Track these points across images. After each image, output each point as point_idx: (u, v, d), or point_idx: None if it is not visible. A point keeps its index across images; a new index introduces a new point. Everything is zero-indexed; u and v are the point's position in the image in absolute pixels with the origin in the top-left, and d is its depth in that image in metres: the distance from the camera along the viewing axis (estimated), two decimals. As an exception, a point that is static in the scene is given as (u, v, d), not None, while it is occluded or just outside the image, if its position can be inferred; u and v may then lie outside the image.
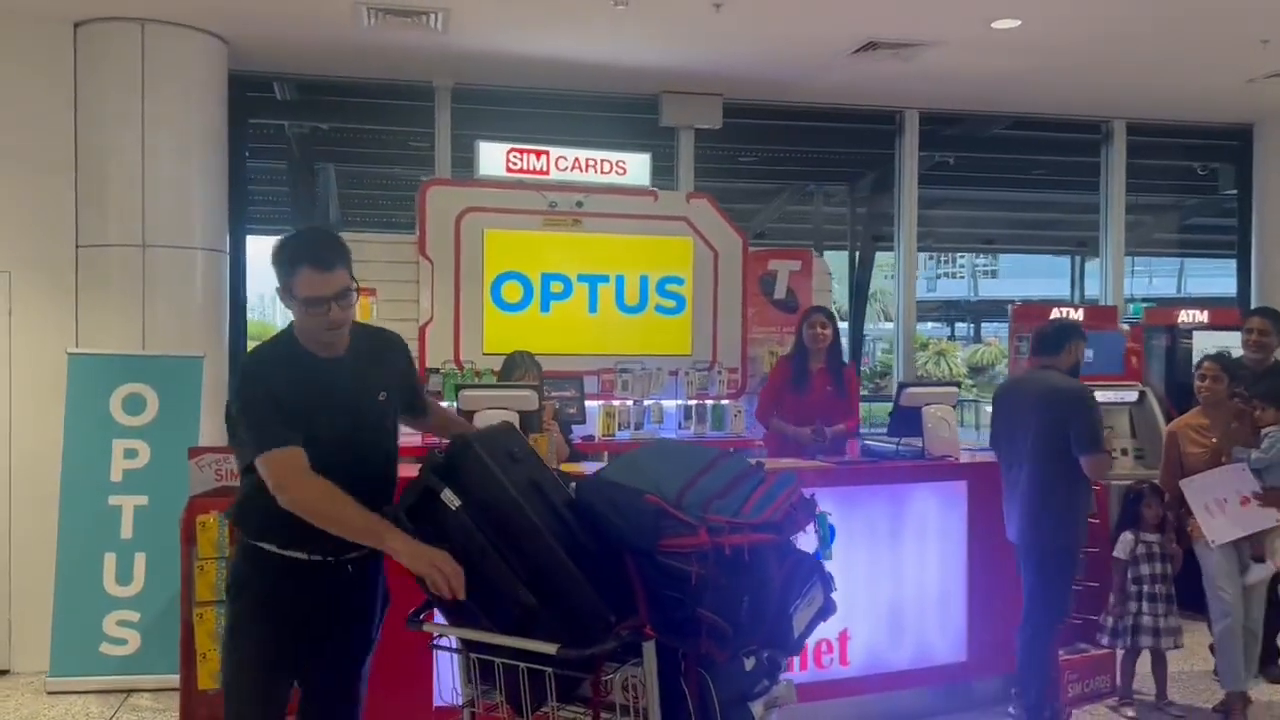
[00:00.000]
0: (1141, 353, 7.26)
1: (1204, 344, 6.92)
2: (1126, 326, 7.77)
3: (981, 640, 4.92)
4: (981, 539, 4.99)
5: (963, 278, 40.53)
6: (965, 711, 4.84)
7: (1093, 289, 18.59)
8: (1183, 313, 7.60)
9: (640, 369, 6.66)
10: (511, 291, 6.66)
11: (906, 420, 5.45)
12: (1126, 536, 4.87)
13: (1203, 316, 7.54)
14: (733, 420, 6.75)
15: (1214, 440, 4.90)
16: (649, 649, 2.39)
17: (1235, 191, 8.73)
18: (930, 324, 33.97)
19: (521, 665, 2.43)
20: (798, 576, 2.62)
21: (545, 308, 6.71)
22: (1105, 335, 7.17)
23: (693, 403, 6.77)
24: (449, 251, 6.56)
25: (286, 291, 2.65)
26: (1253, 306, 8.08)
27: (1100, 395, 6.42)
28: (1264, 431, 4.88)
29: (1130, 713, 4.92)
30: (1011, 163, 9.76)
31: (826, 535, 3.04)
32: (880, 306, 27.17)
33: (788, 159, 9.46)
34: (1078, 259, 18.66)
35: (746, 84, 7.10)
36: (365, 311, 6.27)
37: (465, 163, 6.97)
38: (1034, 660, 4.53)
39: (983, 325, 35.34)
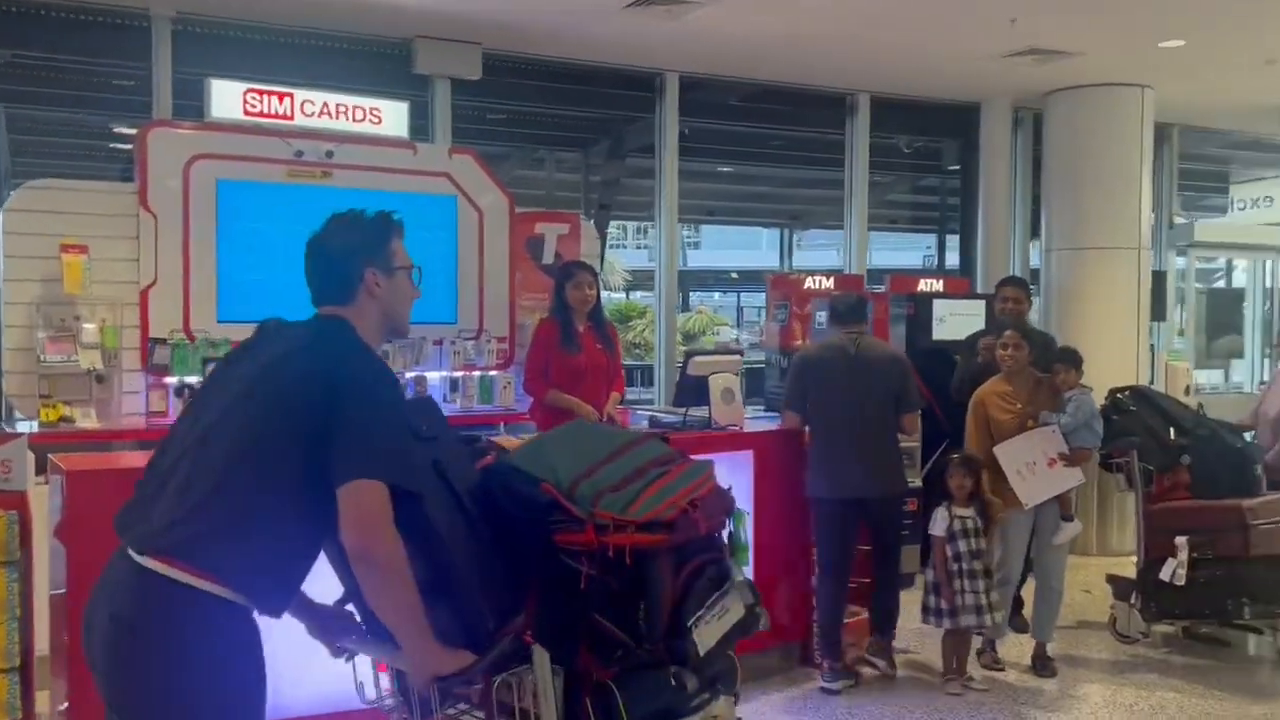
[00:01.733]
0: (886, 320, 7.53)
1: (942, 311, 7.29)
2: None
3: (770, 611, 4.85)
4: (768, 508, 4.96)
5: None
6: (757, 681, 4.74)
7: (803, 260, 19.64)
8: (922, 282, 8.00)
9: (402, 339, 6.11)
10: (250, 251, 5.90)
11: (692, 390, 5.34)
12: (940, 512, 4.80)
13: (939, 286, 7.97)
14: (501, 392, 6.37)
15: (1019, 406, 5.08)
16: (539, 656, 2.12)
17: (959, 168, 9.30)
18: (641, 293, 34.87)
19: (399, 666, 2.22)
20: (698, 585, 2.30)
21: (290, 270, 5.99)
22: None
23: (459, 374, 6.31)
24: (175, 204, 5.72)
25: (384, 265, 2.30)
26: (978, 278, 8.68)
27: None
28: (1066, 395, 5.12)
29: (955, 690, 4.83)
30: (743, 135, 9.90)
31: (740, 541, 2.58)
32: (602, 277, 27.34)
33: (530, 119, 9.11)
34: (787, 231, 19.62)
35: (508, 34, 6.67)
36: (76, 272, 5.33)
37: (189, 110, 6.11)
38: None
39: (690, 294, 36.75)
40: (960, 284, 8.34)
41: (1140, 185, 8.07)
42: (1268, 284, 10.01)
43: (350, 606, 2.36)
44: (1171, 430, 5.73)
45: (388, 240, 2.34)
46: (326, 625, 2.37)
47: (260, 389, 2.12)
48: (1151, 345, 8.52)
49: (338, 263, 2.30)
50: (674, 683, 2.25)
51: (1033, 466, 4.98)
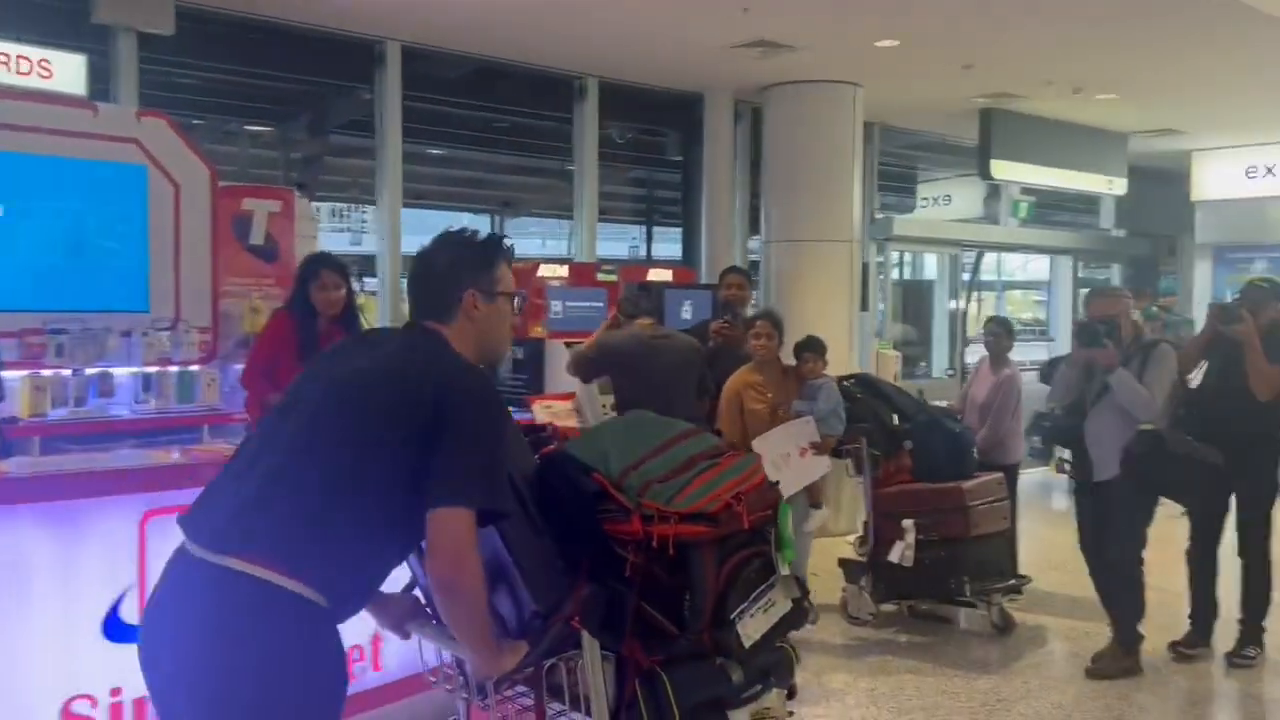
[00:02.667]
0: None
1: (673, 301, 7.26)
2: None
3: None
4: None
5: (362, 232, 40.21)
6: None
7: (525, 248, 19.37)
8: (652, 271, 7.95)
9: (80, 329, 5.25)
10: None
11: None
12: None
13: (667, 275, 7.95)
14: (205, 390, 5.62)
15: (770, 395, 5.02)
16: (588, 642, 2.16)
17: (681, 159, 9.35)
18: (344, 280, 33.42)
19: (461, 655, 2.27)
20: (742, 578, 2.31)
21: (-67, 247, 5.00)
22: (589, 292, 7.26)
23: (152, 370, 5.51)
24: None
25: (486, 288, 2.26)
26: (702, 269, 8.75)
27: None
28: (814, 383, 5.11)
29: None
30: (464, 117, 9.51)
31: (785, 535, 2.44)
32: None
33: (225, 87, 8.26)
34: (498, 218, 19.27)
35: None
36: None
37: None
38: None
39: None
40: (686, 274, 8.37)
41: (852, 181, 8.43)
42: (960, 276, 10.80)
43: (416, 592, 2.40)
44: (895, 416, 5.96)
45: (494, 264, 2.30)
46: (394, 612, 2.38)
47: (361, 396, 2.10)
48: (878, 334, 8.95)
49: (439, 280, 2.27)
50: (737, 673, 2.27)
51: (788, 458, 4.96)
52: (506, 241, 2.37)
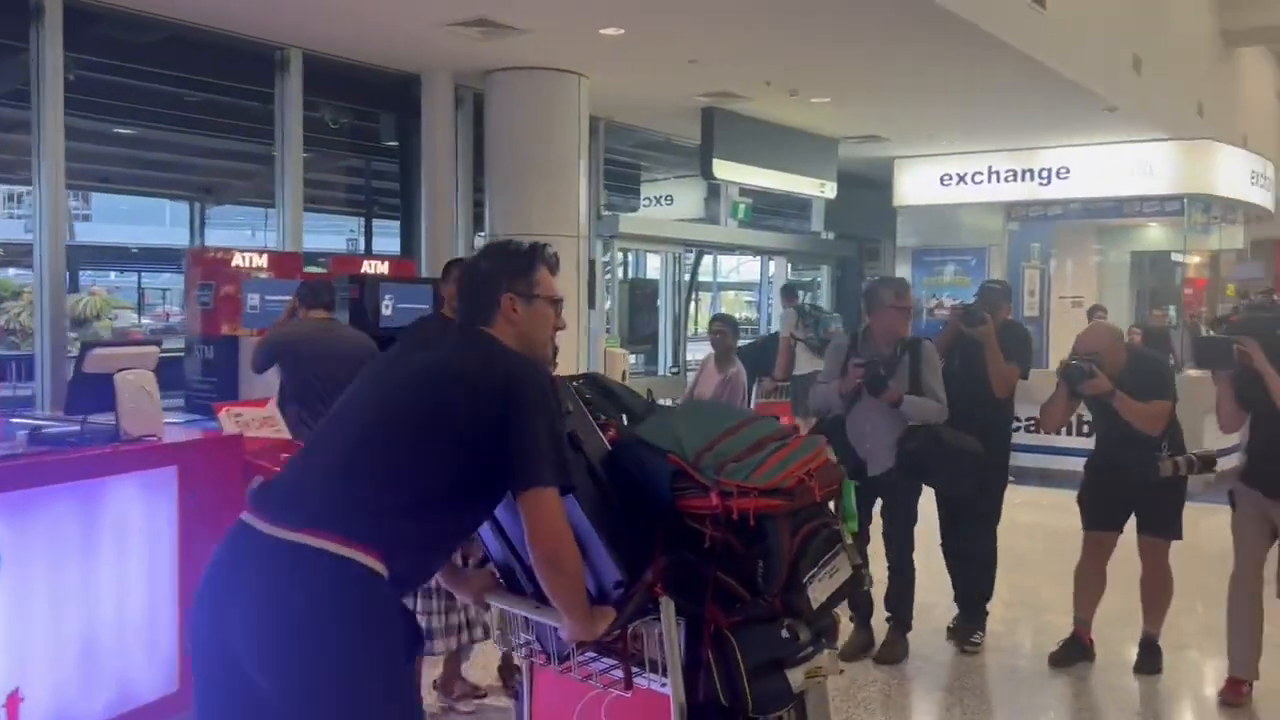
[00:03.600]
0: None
1: (388, 294, 6.71)
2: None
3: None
4: (197, 538, 3.96)
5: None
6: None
7: (217, 238, 17.88)
8: (366, 264, 7.34)
9: None
10: None
11: (91, 390, 4.16)
12: None
13: (384, 268, 7.38)
14: None
15: None
16: (665, 607, 2.38)
17: (398, 145, 8.76)
18: (15, 270, 29.88)
19: (549, 623, 2.46)
20: (813, 546, 2.55)
21: None
22: (293, 285, 6.55)
23: None
24: None
25: (524, 291, 2.41)
26: (423, 262, 8.21)
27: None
28: None
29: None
30: (151, 91, 8.50)
31: (850, 507, 2.78)
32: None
33: None
34: (198, 206, 17.78)
35: None
36: None
37: None
38: None
39: (81, 273, 32.34)
40: (406, 267, 7.81)
41: (578, 175, 8.17)
42: (682, 276, 10.83)
43: (490, 566, 2.60)
44: (624, 417, 5.72)
45: (532, 269, 2.48)
46: (475, 584, 2.58)
47: (431, 384, 2.28)
48: (607, 331, 8.72)
49: (481, 286, 2.47)
50: (786, 634, 2.48)
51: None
52: (549, 250, 2.53)
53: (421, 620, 4.02)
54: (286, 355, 4.84)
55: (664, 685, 2.41)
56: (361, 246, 14.73)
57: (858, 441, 4.81)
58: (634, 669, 2.45)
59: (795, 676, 2.50)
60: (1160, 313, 13.36)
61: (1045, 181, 11.40)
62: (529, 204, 8.00)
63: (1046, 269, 12.74)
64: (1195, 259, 14.78)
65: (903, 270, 12.68)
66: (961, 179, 11.88)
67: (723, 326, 6.26)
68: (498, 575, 2.61)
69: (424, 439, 2.21)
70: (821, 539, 2.57)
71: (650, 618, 2.38)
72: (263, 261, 6.74)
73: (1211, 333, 6.22)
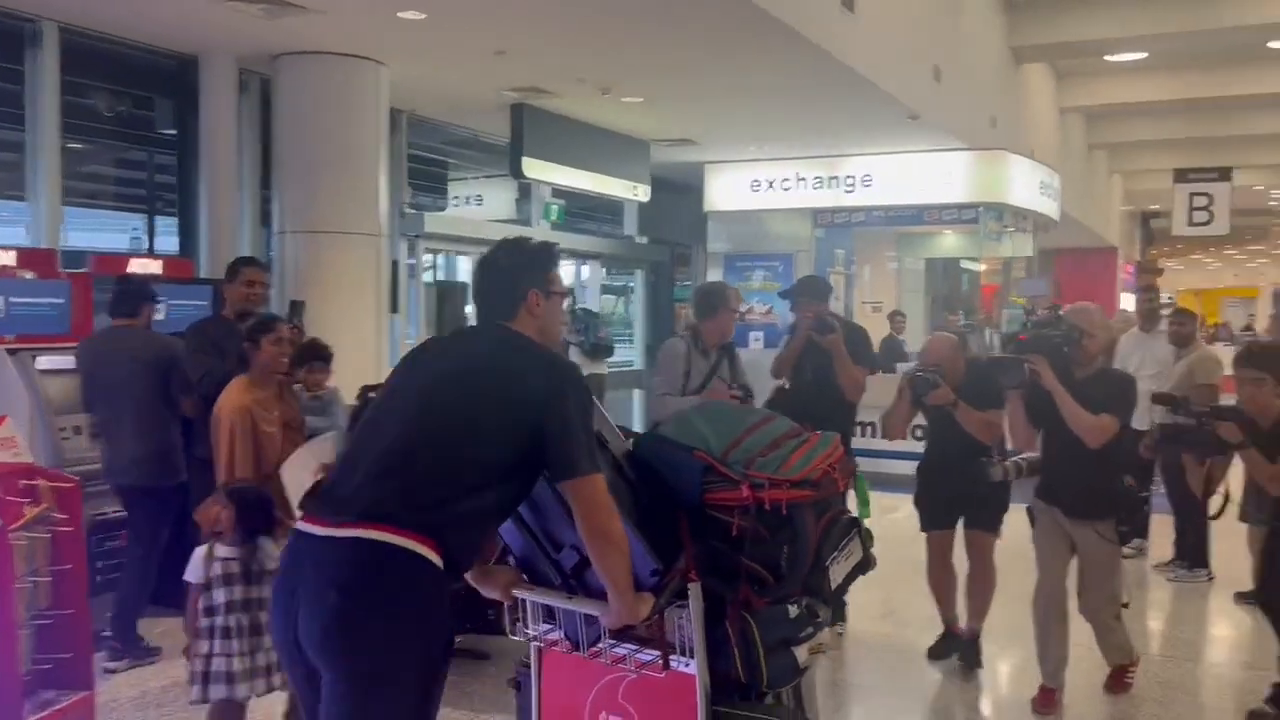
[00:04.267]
0: (90, 306, 6.03)
1: (159, 296, 6.04)
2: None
3: None
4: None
5: None
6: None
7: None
8: (134, 262, 6.58)
9: None
10: None
11: None
12: (200, 553, 3.57)
13: (157, 267, 6.64)
14: None
15: (276, 414, 4.09)
16: (695, 592, 2.54)
17: (176, 134, 7.98)
18: None
19: (579, 611, 2.59)
20: (834, 532, 2.75)
21: None
22: (47, 285, 5.79)
23: None
24: None
25: (540, 287, 2.63)
26: (201, 261, 7.50)
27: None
28: (321, 395, 4.27)
29: None
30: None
31: (864, 496, 3.03)
32: None
33: None
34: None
35: None
36: None
37: None
38: None
39: None
40: (183, 266, 7.09)
41: (377, 169, 7.66)
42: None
43: (510, 560, 2.76)
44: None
45: (550, 266, 2.67)
46: (500, 580, 2.71)
47: (475, 380, 2.46)
48: (410, 338, 8.19)
49: (504, 282, 2.61)
50: (806, 613, 2.69)
51: (303, 486, 4.10)
52: (555, 246, 2.75)
53: (220, 663, 3.53)
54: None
55: (688, 665, 2.58)
56: (146, 245, 13.60)
57: None
58: (655, 653, 2.60)
59: (800, 654, 2.69)
60: (954, 317, 13.90)
61: (850, 189, 11.60)
62: (323, 199, 7.43)
63: (850, 275, 13.01)
64: (982, 266, 15.53)
65: (714, 275, 12.67)
66: (770, 185, 11.96)
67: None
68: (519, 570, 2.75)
69: (470, 432, 2.38)
70: (841, 525, 2.80)
71: (677, 603, 2.55)
72: (8, 259, 5.92)
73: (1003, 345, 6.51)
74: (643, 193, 11.07)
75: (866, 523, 2.92)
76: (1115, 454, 4.46)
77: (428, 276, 10.79)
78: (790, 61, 7.55)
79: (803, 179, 11.79)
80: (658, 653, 2.57)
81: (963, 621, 5.12)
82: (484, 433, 2.39)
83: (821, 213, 12.04)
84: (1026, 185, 11.89)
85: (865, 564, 2.90)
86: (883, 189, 11.48)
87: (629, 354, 14.01)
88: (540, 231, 11.04)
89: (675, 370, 4.90)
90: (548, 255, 2.69)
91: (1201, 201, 14.69)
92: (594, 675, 2.77)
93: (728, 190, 12.23)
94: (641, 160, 10.91)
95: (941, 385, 4.71)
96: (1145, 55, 12.65)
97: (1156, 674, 5.12)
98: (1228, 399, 4.88)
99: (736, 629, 2.60)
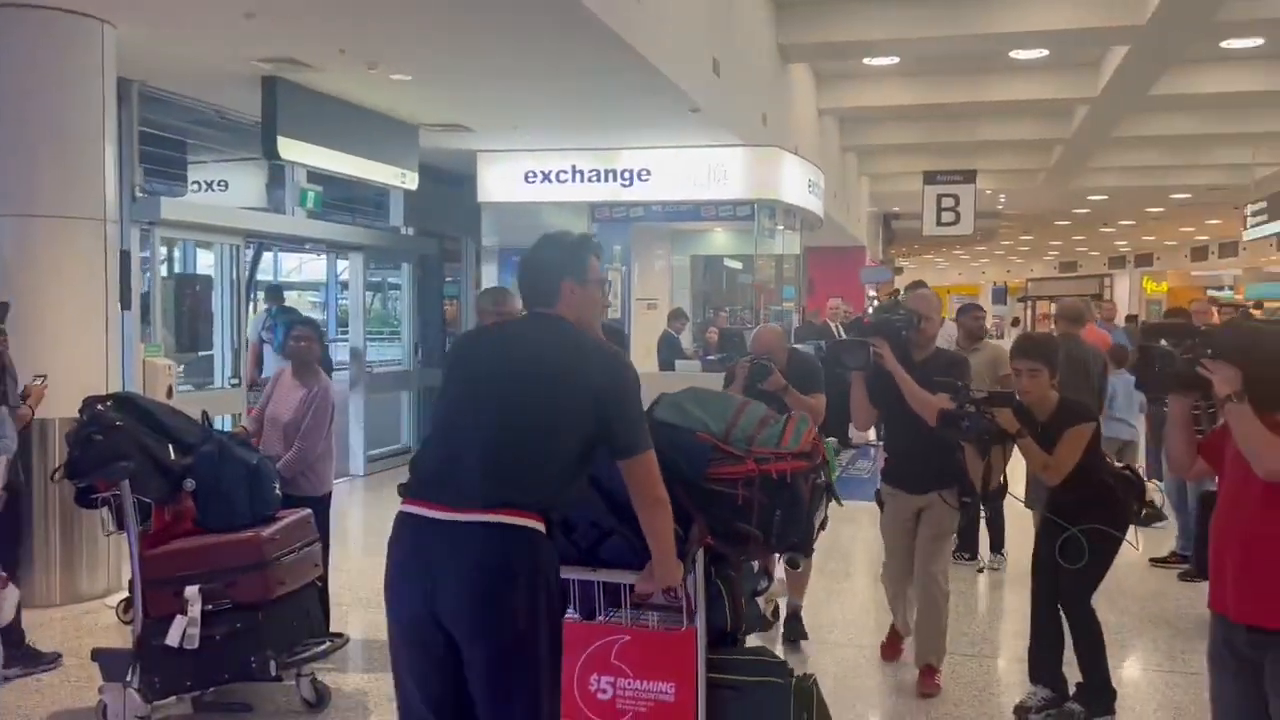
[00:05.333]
0: None
1: None
2: None
3: None
4: None
5: None
6: None
7: None
8: None
9: None
10: None
11: None
12: None
13: None
14: None
15: None
16: (700, 558, 3.04)
17: None
18: None
19: (597, 580, 3.09)
20: (817, 494, 3.21)
21: None
22: None
23: None
24: None
25: (579, 277, 2.95)
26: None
27: None
28: None
29: None
30: None
31: (832, 460, 3.39)
32: None
33: None
34: None
35: None
36: None
37: None
38: None
39: None
40: None
41: (101, 145, 6.61)
42: (237, 273, 9.38)
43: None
44: (171, 448, 4.51)
45: (586, 257, 3.00)
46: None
47: (551, 374, 2.81)
48: (146, 338, 7.15)
49: (544, 273, 2.97)
50: (760, 570, 3.50)
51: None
52: (595, 239, 3.20)
53: None
54: None
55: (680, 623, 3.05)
56: None
57: None
58: (648, 610, 3.07)
59: (759, 604, 3.24)
60: (724, 315, 13.97)
61: (627, 183, 11.33)
62: (35, 178, 6.34)
63: (627, 271, 12.78)
64: (736, 265, 15.73)
65: (487, 270, 12.11)
66: (546, 177, 11.51)
67: (308, 333, 5.22)
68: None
69: (555, 418, 2.74)
70: (820, 489, 3.23)
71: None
72: None
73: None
74: (411, 180, 10.34)
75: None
76: None
77: (171, 269, 9.67)
78: (576, 42, 7.12)
79: (579, 171, 11.41)
80: (660, 612, 3.13)
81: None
82: (567, 419, 2.76)
83: (599, 207, 11.71)
84: (797, 183, 12.03)
85: (825, 521, 3.36)
86: (660, 184, 11.27)
87: (395, 352, 13.20)
88: (294, 221, 10.14)
89: None
90: (585, 246, 3.04)
91: (949, 203, 15.47)
92: (580, 642, 3.16)
93: (502, 181, 11.67)
94: (410, 145, 10.18)
95: (774, 372, 5.07)
96: (897, 60, 13.10)
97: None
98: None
99: (734, 585, 3.15)
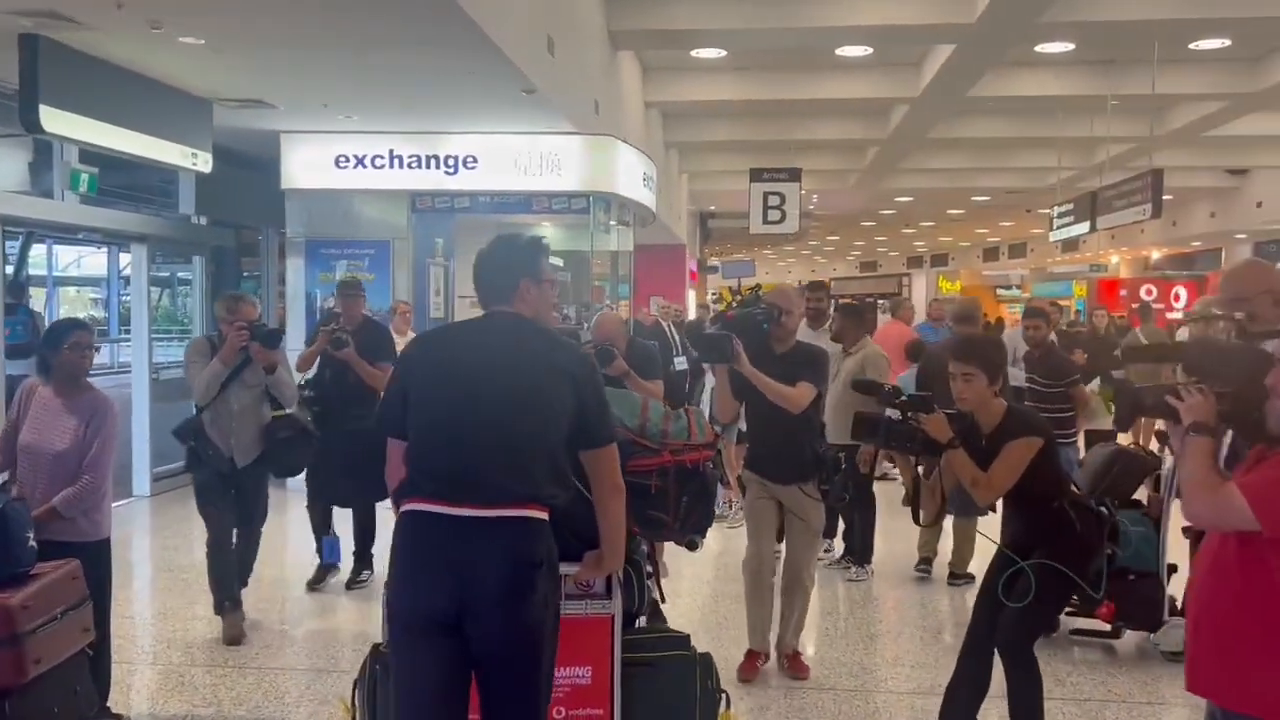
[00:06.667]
0: None
1: None
2: None
3: None
4: None
5: None
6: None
7: None
8: None
9: None
10: None
11: None
12: None
13: None
14: None
15: None
16: (635, 541, 3.42)
17: None
18: None
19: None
20: (711, 478, 3.53)
21: None
22: None
23: None
24: None
25: (535, 276, 3.14)
26: None
27: None
28: None
29: None
30: None
31: (720, 448, 3.75)
32: None
33: None
34: None
35: None
36: None
37: None
38: None
39: None
40: None
41: None
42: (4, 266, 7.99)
43: None
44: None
45: (540, 257, 3.19)
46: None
47: (527, 368, 3.01)
48: None
49: (503, 272, 3.13)
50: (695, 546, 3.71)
51: None
52: (544, 239, 3.33)
53: None
54: None
55: (588, 606, 3.29)
56: None
57: (222, 436, 5.61)
58: (574, 597, 3.29)
59: (651, 585, 3.61)
60: (556, 317, 13.25)
61: (452, 170, 10.45)
62: None
63: (450, 266, 11.91)
64: (558, 261, 15.12)
65: (292, 264, 10.97)
66: (361, 162, 10.48)
67: (88, 339, 4.24)
68: None
69: (551, 410, 2.97)
70: (716, 476, 3.61)
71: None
72: None
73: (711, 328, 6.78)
74: (203, 162, 9.12)
75: None
76: (814, 420, 5.02)
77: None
78: (397, 5, 6.27)
79: (398, 156, 10.42)
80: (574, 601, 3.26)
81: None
82: (557, 411, 2.96)
83: (419, 196, 10.78)
84: (632, 176, 11.47)
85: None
86: (488, 173, 10.46)
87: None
88: (64, 207, 8.79)
89: (201, 359, 5.88)
90: (538, 247, 3.21)
91: (775, 201, 15.28)
92: None
93: (309, 166, 10.54)
94: (202, 122, 8.97)
95: (617, 358, 5.29)
96: (725, 54, 12.78)
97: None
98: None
99: (640, 569, 3.42)
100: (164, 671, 5.29)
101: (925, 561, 7.04)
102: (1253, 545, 2.59)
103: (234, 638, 5.61)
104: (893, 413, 4.11)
